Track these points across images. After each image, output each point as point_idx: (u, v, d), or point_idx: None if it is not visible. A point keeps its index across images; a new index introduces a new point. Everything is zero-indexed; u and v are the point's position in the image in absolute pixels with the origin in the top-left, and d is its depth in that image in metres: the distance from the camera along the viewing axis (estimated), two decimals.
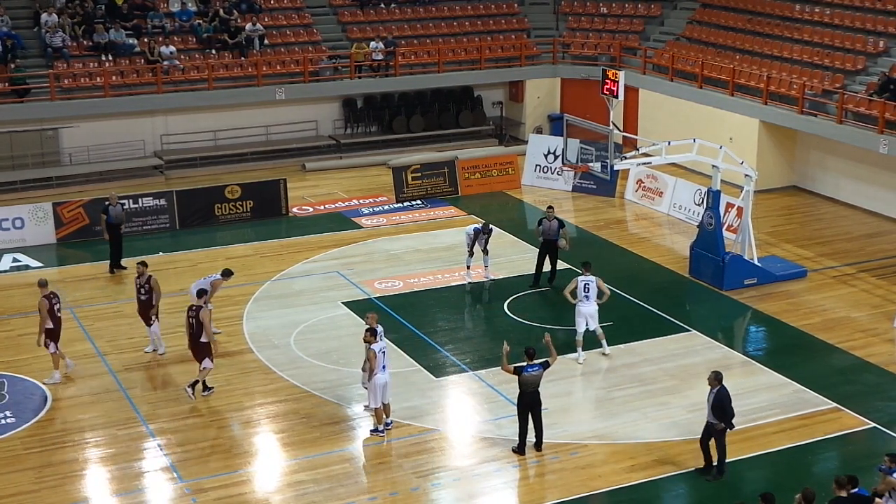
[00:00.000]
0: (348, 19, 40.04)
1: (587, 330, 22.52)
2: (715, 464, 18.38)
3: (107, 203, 27.68)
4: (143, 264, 22.95)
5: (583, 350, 22.67)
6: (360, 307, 25.01)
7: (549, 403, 19.52)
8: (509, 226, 30.64)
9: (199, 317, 20.55)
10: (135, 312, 24.93)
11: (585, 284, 22.40)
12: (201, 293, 21.14)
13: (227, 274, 23.43)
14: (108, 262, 27.53)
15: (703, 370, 22.23)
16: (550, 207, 26.59)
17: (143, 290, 22.64)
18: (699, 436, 19.59)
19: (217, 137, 37.03)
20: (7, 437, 19.67)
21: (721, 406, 17.97)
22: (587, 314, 22.46)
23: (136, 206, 30.49)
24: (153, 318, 22.67)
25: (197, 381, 20.85)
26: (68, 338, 23.51)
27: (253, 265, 27.89)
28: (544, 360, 19.06)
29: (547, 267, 26.41)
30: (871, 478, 16.52)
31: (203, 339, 20.61)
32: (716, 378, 18.02)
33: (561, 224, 26.04)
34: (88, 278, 27.23)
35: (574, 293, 22.50)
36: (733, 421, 18.18)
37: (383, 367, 19.29)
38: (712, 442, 18.29)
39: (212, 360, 20.78)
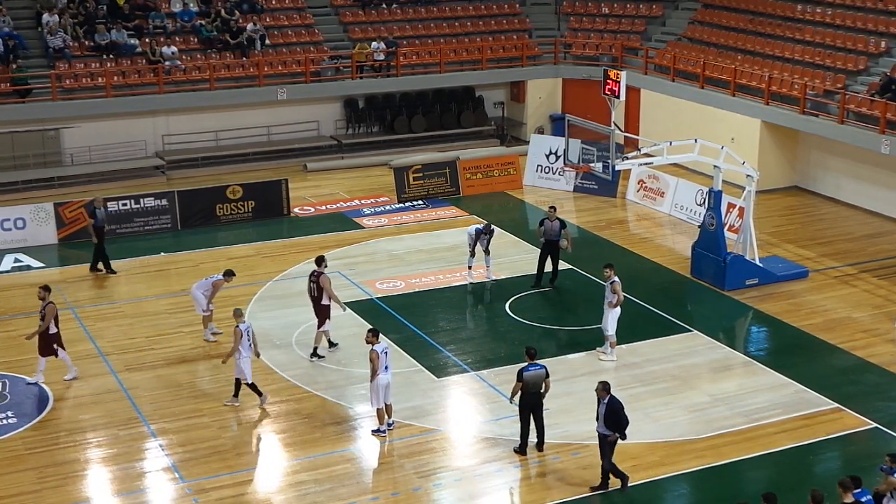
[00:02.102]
0: (350, 19, 40.05)
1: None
2: (602, 476, 18.00)
3: (94, 206, 27.66)
4: (46, 289, 21.73)
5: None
6: (361, 307, 25.02)
7: (550, 403, 19.51)
8: (511, 226, 30.63)
9: (319, 282, 22.13)
10: (136, 313, 25.06)
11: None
12: (320, 260, 22.68)
13: (228, 274, 23.46)
14: (106, 262, 27.52)
15: (704, 370, 22.34)
16: (553, 208, 26.56)
17: (41, 317, 21.55)
18: (701, 436, 19.66)
19: (218, 138, 37.05)
20: (9, 437, 19.68)
21: (615, 416, 17.60)
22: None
23: (138, 206, 30.49)
24: (54, 346, 21.47)
25: (331, 342, 22.74)
26: (70, 338, 23.54)
27: (254, 265, 27.90)
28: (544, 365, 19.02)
29: (548, 267, 26.39)
30: (872, 478, 16.52)
31: (324, 302, 22.24)
32: (604, 388, 17.68)
33: (563, 225, 26.03)
34: (90, 279, 27.24)
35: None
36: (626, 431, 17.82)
37: (385, 367, 19.30)
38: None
39: (327, 323, 22.54)
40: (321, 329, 22.59)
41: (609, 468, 17.88)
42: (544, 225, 26.02)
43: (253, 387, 20.65)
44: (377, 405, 19.45)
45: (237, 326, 20.39)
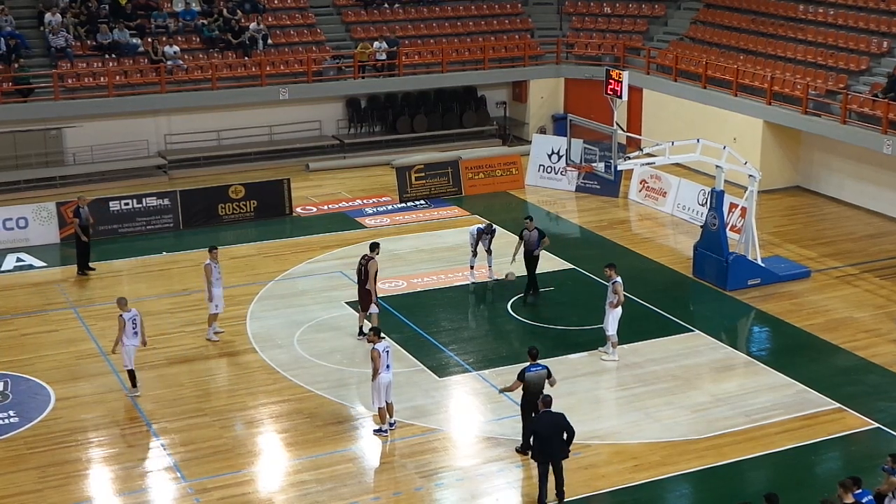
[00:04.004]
0: (352, 19, 40.06)
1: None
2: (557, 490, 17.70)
3: (77, 205, 27.65)
4: None
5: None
6: None
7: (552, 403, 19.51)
8: (513, 226, 30.52)
9: (367, 266, 22.74)
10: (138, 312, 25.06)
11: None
12: (374, 246, 23.35)
13: (211, 250, 23.69)
14: (87, 262, 27.48)
15: (706, 370, 22.34)
16: (529, 218, 26.03)
17: None
18: (703, 436, 19.67)
19: (220, 137, 37.06)
20: (10, 437, 19.69)
21: (532, 429, 17.62)
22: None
23: (140, 205, 30.50)
24: None
25: (361, 328, 23.24)
26: (72, 337, 23.59)
27: (256, 265, 27.91)
28: (545, 367, 19.01)
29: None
30: (874, 478, 16.53)
31: (368, 287, 22.78)
32: (543, 401, 17.53)
33: (542, 234, 25.64)
34: (91, 278, 27.25)
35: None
36: (535, 455, 17.51)
37: (387, 366, 19.30)
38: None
39: (369, 308, 23.01)
40: (367, 312, 23.09)
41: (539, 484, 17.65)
42: (524, 236, 25.61)
43: (131, 374, 21.07)
44: (378, 404, 19.44)
45: (121, 315, 20.81)
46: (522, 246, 25.72)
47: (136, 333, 20.99)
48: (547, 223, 31.96)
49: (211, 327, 23.63)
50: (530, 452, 17.77)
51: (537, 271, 25.92)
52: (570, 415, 20.12)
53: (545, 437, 17.29)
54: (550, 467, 17.42)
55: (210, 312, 23.49)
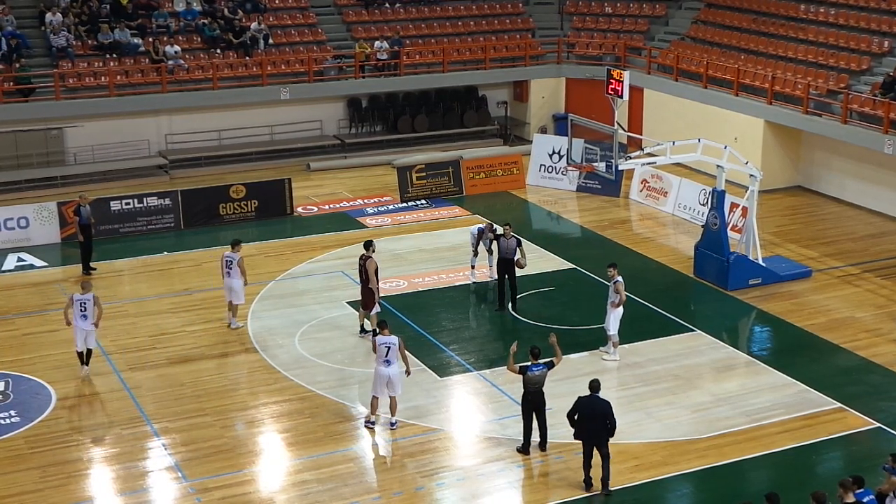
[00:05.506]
0: (353, 19, 40.06)
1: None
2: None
3: (79, 204, 27.66)
4: None
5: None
6: None
7: (553, 403, 19.49)
8: (514, 226, 30.50)
9: (366, 265, 22.75)
10: (138, 312, 25.06)
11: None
12: (368, 244, 23.20)
13: (235, 244, 23.91)
14: (89, 262, 27.48)
15: (707, 370, 22.33)
16: (508, 224, 25.56)
17: None
18: (704, 436, 19.66)
19: (221, 137, 37.06)
20: (11, 437, 19.69)
21: (575, 407, 18.01)
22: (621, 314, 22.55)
23: (141, 205, 30.50)
24: None
25: (362, 327, 23.43)
26: (72, 337, 23.54)
27: (257, 265, 27.88)
28: (549, 359, 19.08)
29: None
30: (875, 478, 16.52)
31: (371, 285, 22.78)
32: (590, 386, 17.85)
33: (519, 242, 25.16)
34: (93, 277, 27.20)
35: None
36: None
37: (386, 361, 19.27)
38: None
39: (373, 307, 22.99)
40: (368, 312, 23.15)
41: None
42: (500, 242, 25.21)
43: (80, 356, 21.63)
44: (373, 393, 19.64)
45: (71, 296, 21.39)
46: (497, 252, 25.45)
47: (84, 317, 21.31)
48: (548, 223, 32.03)
49: (234, 315, 24.05)
50: (574, 432, 17.89)
51: (517, 278, 25.40)
52: None
53: (588, 419, 17.64)
54: (595, 450, 17.78)
55: (238, 303, 23.93)
